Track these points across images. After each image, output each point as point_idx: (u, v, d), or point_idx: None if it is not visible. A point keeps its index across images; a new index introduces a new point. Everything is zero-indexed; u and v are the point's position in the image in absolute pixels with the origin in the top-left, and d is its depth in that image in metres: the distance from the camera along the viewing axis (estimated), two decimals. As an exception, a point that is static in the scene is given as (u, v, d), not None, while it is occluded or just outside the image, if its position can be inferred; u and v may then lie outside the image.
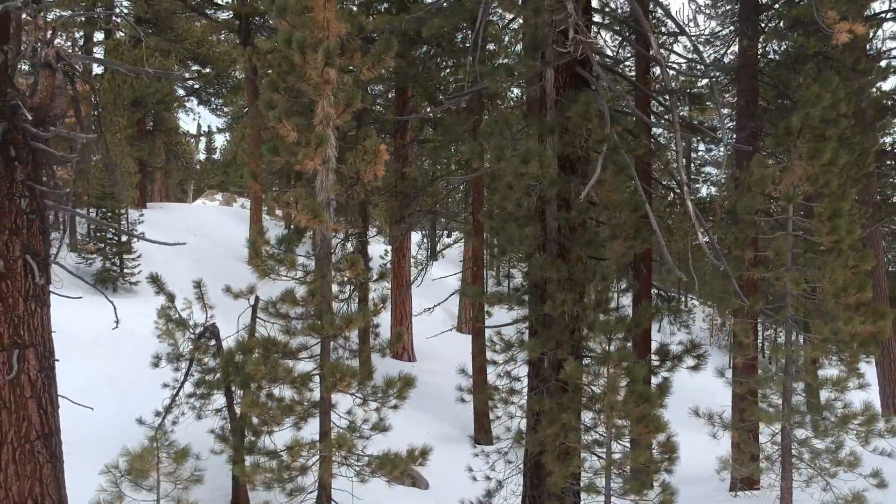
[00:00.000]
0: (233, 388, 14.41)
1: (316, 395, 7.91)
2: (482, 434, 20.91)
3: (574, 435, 8.74)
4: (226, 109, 45.30)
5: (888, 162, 24.41)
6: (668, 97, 9.43)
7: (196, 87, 41.16)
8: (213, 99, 42.86)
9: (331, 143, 7.68)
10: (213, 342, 14.37)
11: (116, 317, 8.39)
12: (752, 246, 8.62)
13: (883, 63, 21.48)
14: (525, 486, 10.95)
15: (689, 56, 20.88)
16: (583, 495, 9.33)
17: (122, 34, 34.03)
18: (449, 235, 46.19)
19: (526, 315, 11.46)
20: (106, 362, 17.97)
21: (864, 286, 7.92)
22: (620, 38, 14.52)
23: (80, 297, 8.93)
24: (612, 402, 8.00)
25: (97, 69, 30.13)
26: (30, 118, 10.10)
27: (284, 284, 8.15)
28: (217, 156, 62.20)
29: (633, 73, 16.67)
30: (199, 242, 27.30)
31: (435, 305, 25.52)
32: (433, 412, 21.91)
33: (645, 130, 11.91)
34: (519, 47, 21.77)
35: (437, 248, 34.01)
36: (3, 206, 9.89)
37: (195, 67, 39.74)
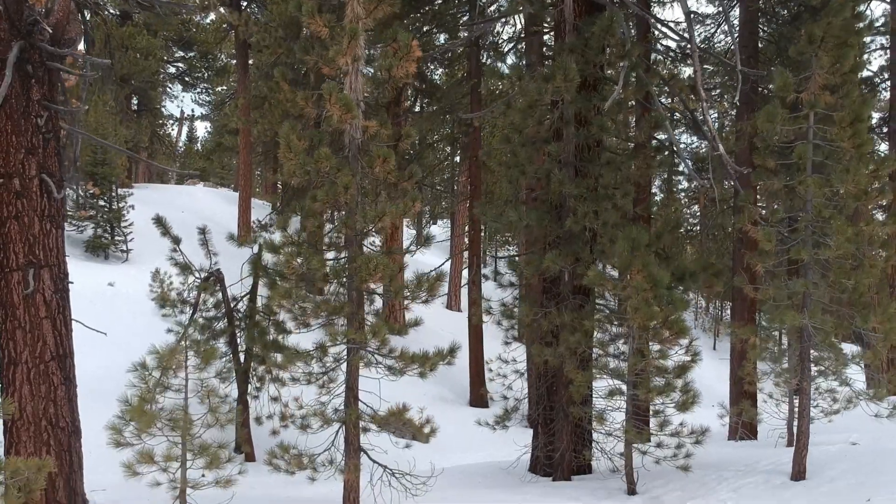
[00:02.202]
0: (236, 333, 14.44)
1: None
2: (477, 398, 21.19)
3: (592, 341, 8.83)
4: (207, 98, 45.07)
5: None
6: (685, 22, 9.52)
7: (181, 71, 40.96)
8: (198, 83, 42.64)
9: (360, 43, 7.71)
10: (217, 287, 14.37)
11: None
12: (773, 156, 8.76)
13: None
14: (535, 411, 11.05)
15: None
16: (601, 404, 9.42)
17: (111, 12, 33.71)
18: (435, 222, 46.35)
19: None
20: (102, 320, 17.91)
21: (884, 189, 8.10)
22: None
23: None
24: (636, 304, 8.08)
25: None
26: (48, 36, 10.05)
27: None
28: (198, 146, 61.74)
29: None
30: (188, 219, 27.15)
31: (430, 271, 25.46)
32: (431, 378, 22.00)
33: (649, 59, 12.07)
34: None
35: (424, 234, 34.23)
36: (19, 125, 9.83)
37: (179, 53, 39.57)
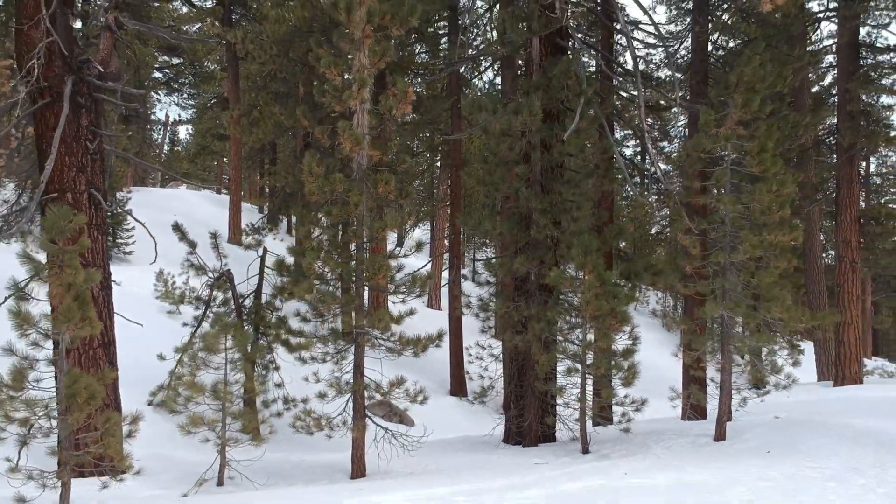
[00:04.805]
0: (244, 326, 16.23)
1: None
2: (458, 388, 23.09)
3: (555, 329, 10.82)
4: (191, 102, 46.45)
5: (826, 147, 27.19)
6: (633, 62, 11.53)
7: (167, 77, 42.34)
8: (183, 88, 44.03)
9: (366, 89, 9.58)
10: (228, 285, 16.18)
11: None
12: (699, 178, 10.78)
13: (821, 52, 24.15)
14: (507, 388, 13.02)
15: (646, 47, 23.26)
16: (562, 381, 11.43)
17: (99, 22, 35.08)
18: (416, 226, 48.19)
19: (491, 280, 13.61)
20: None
21: (784, 206, 10.10)
22: (592, 16, 16.62)
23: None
24: (588, 298, 10.08)
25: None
26: (98, 72, 11.93)
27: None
28: (179, 148, 63.01)
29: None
30: (182, 222, 28.87)
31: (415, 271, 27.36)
32: (415, 371, 24.00)
33: (609, 92, 14.11)
34: (493, 34, 23.84)
35: (412, 239, 36.19)
36: (71, 147, 11.76)
37: (163, 58, 40.94)
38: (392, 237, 40.33)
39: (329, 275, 9.55)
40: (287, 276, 9.92)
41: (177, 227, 15.82)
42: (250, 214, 34.81)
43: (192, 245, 15.80)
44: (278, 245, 24.42)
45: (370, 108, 9.80)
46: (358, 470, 9.81)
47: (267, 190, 42.33)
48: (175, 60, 40.86)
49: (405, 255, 10.21)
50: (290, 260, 10.29)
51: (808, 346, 30.43)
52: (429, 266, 31.52)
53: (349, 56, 9.65)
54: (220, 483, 9.52)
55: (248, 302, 16.56)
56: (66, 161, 11.59)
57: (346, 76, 9.60)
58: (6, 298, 8.22)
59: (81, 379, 6.94)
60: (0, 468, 7.15)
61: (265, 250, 16.46)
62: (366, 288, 10.13)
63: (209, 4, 33.80)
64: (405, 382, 10.17)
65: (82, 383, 6.91)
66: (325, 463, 11.22)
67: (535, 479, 8.38)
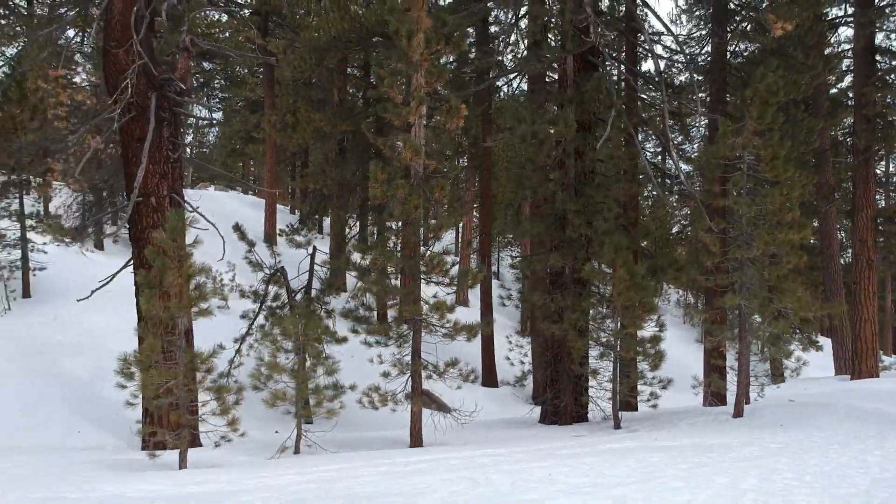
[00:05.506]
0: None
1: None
2: (489, 379, 24.40)
3: (587, 318, 12.12)
4: (220, 105, 47.95)
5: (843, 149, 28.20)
6: (657, 73, 12.79)
7: (199, 82, 43.89)
8: (214, 92, 45.54)
9: (423, 106, 10.92)
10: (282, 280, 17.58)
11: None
12: (719, 182, 12.03)
13: (835, 60, 25.17)
14: (542, 377, 14.30)
15: (668, 53, 24.45)
16: (594, 364, 12.72)
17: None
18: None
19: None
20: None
21: (795, 207, 11.28)
22: (617, 32, 17.85)
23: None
24: (619, 290, 11.36)
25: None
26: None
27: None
28: (206, 150, 64.70)
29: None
30: (220, 223, 30.50)
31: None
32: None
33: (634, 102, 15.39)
34: (522, 43, 25.14)
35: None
36: (154, 157, 13.21)
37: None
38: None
39: (391, 269, 10.90)
40: (355, 270, 11.24)
41: (237, 228, 17.30)
42: (282, 215, 36.27)
43: (251, 244, 17.26)
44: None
45: (425, 122, 11.14)
46: (416, 441, 11.16)
47: (298, 192, 43.83)
48: (207, 66, 42.43)
49: (456, 254, 11.51)
50: (354, 257, 11.65)
51: (826, 343, 31.46)
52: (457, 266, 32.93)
53: (393, 69, 11.00)
54: (296, 451, 10.90)
55: (298, 296, 18.00)
56: (151, 168, 13.03)
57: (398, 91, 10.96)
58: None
59: (197, 355, 8.33)
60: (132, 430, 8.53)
61: (314, 248, 17.87)
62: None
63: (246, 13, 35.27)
64: (459, 363, 11.49)
65: (199, 358, 8.30)
66: (386, 438, 12.59)
67: (576, 443, 9.68)
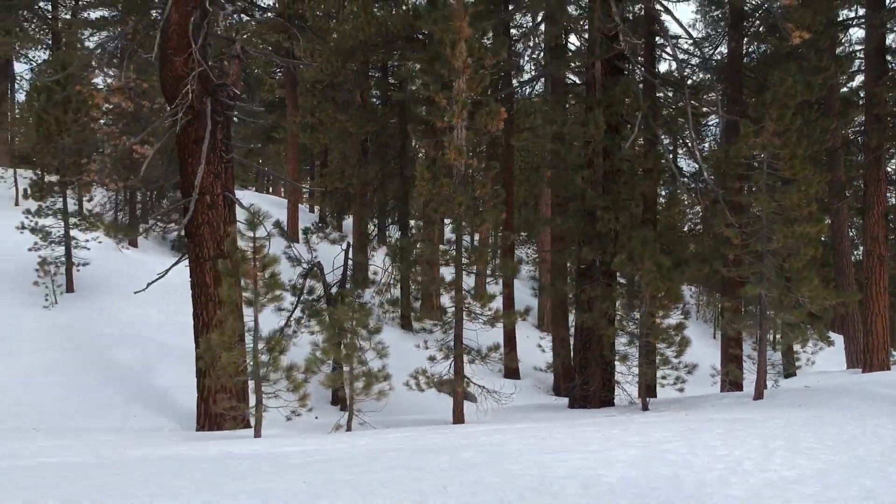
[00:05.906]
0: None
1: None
2: (511, 370, 25.29)
3: (616, 307, 12.97)
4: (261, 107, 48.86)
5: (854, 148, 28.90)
6: (679, 76, 13.62)
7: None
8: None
9: (465, 110, 11.78)
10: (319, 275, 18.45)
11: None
12: (739, 179, 12.86)
13: (847, 62, 25.86)
14: (563, 368, 15.15)
15: (685, 56, 25.29)
16: (622, 350, 13.58)
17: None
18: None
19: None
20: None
21: (811, 203, 12.09)
22: (640, 38, 18.72)
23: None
24: (647, 280, 12.21)
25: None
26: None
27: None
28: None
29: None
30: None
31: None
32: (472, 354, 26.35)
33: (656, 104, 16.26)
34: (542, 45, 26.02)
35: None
36: (209, 158, 14.08)
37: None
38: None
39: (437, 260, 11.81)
40: (402, 263, 12.12)
41: (277, 224, 18.20)
42: (302, 214, 37.18)
43: (291, 240, 18.16)
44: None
45: (467, 125, 12.02)
46: (458, 419, 12.04)
47: (316, 192, 44.77)
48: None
49: (497, 249, 12.39)
50: (378, 255, 12.52)
51: (837, 339, 32.21)
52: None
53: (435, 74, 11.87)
54: (348, 429, 11.78)
55: (333, 290, 18.85)
56: (206, 168, 13.91)
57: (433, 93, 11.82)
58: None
59: (276, 338, 9.22)
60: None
61: (349, 244, 18.76)
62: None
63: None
64: (500, 348, 12.35)
65: (273, 340, 9.19)
66: (429, 419, 13.47)
67: (610, 419, 10.54)
